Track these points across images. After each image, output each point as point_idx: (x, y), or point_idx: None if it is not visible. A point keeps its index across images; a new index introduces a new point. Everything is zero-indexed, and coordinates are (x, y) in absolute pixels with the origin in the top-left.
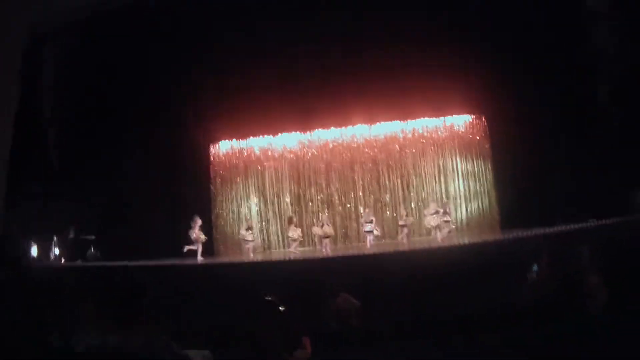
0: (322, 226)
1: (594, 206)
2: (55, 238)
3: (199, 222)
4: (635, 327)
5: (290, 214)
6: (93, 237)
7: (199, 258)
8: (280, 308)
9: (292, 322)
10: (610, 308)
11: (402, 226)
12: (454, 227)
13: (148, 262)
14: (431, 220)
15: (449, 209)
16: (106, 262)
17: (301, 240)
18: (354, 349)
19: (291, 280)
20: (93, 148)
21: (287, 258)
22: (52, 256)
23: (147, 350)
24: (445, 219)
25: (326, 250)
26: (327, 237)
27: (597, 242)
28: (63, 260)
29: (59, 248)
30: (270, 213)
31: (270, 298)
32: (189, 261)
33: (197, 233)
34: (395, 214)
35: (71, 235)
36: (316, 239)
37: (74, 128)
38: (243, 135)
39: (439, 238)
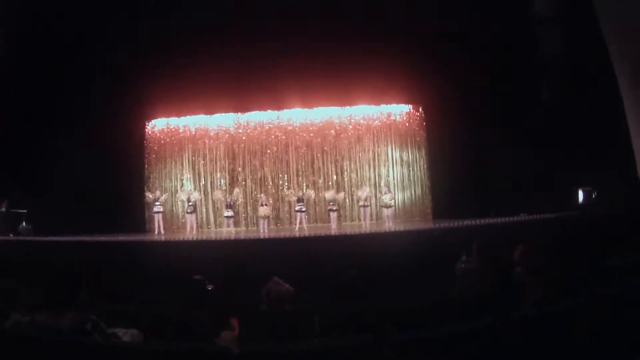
0: (261, 205)
1: (528, 201)
2: None
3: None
4: (563, 325)
5: (224, 193)
6: (25, 211)
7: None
8: (208, 287)
9: (220, 302)
10: (537, 305)
11: (333, 210)
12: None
13: (79, 238)
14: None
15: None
16: (38, 237)
17: (235, 220)
18: (283, 332)
19: (222, 261)
20: (26, 123)
21: (219, 237)
22: None
23: (76, 329)
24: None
25: (264, 230)
26: (266, 217)
27: (529, 237)
28: None
29: None
30: (203, 192)
31: (198, 277)
32: (119, 238)
33: None
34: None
35: (3, 209)
36: (255, 219)
37: (7, 104)
38: (179, 114)
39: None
